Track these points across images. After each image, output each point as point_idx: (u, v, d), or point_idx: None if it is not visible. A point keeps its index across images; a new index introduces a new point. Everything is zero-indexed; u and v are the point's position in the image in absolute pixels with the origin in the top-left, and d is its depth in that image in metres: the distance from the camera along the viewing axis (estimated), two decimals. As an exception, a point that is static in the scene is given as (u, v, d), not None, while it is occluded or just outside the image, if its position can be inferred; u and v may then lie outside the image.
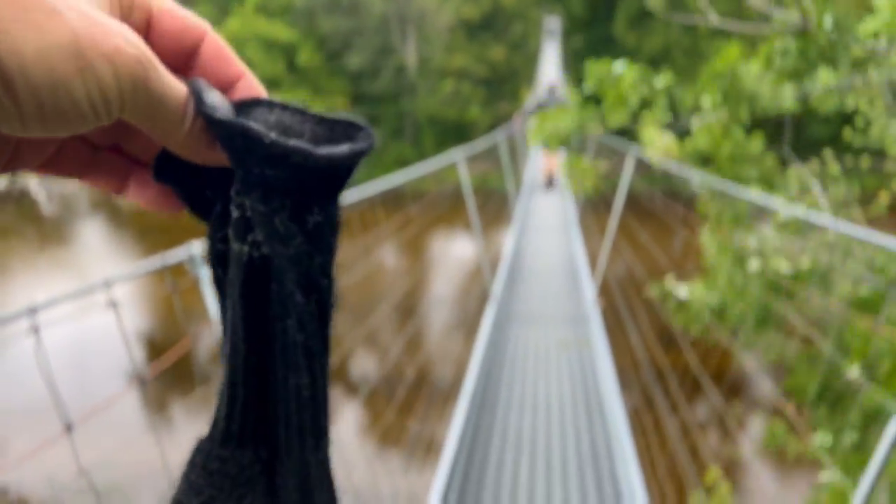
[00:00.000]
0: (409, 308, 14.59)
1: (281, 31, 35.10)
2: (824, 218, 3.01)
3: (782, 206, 3.35)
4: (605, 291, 7.32)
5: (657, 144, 4.42)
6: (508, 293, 7.74)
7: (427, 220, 6.81)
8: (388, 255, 22.50)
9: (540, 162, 17.43)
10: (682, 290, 4.23)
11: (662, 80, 3.63)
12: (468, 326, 7.86)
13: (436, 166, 6.20)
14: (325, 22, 36.14)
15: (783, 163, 4.74)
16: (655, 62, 32.99)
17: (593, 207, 10.31)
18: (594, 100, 3.96)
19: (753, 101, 3.43)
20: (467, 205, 7.02)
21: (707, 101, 3.58)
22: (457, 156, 6.84)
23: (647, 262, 7.41)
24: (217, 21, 35.98)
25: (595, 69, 3.53)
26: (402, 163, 26.57)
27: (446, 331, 12.61)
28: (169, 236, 2.56)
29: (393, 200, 5.46)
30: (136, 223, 30.96)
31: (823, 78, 3.47)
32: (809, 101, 3.90)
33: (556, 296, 7.79)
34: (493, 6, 43.26)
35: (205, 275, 2.13)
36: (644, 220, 7.02)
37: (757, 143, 3.96)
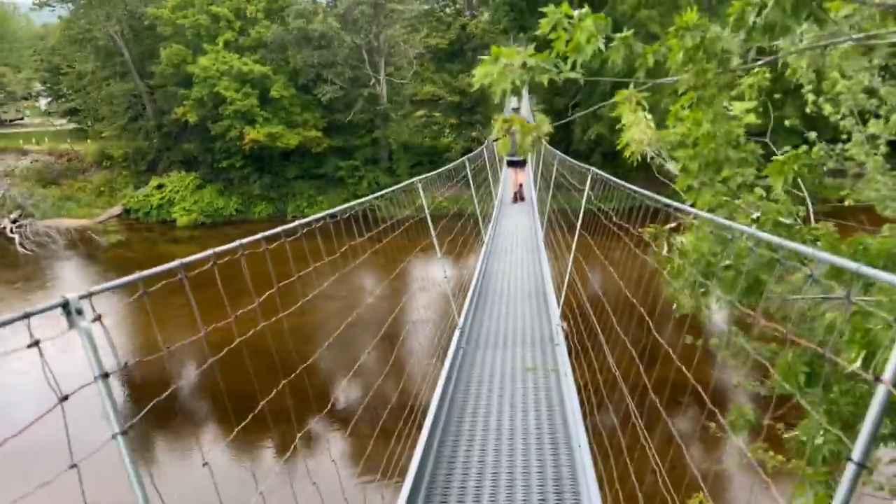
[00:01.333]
0: (373, 334, 14.79)
1: (253, 66, 35.58)
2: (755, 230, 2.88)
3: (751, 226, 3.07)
4: (570, 313, 7.29)
5: (635, 130, 4.24)
6: (475, 319, 7.63)
7: (397, 245, 7.00)
8: (353, 283, 22.78)
9: (509, 178, 17.92)
10: (680, 238, 3.69)
11: (623, 34, 3.19)
12: (433, 351, 7.71)
13: (394, 192, 6.34)
14: (296, 56, 36.70)
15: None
16: (618, 84, 33.78)
17: (560, 227, 10.57)
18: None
19: (724, 59, 3.16)
20: (430, 230, 7.13)
21: (674, 58, 3.22)
22: (416, 182, 7.07)
23: (612, 281, 7.11)
24: (188, 59, 36.40)
25: (551, 12, 3.09)
26: (378, 190, 26.87)
27: (411, 356, 12.79)
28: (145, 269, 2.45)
29: (360, 227, 5.57)
30: (114, 261, 31.01)
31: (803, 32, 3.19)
32: (782, 60, 3.63)
33: (522, 319, 7.61)
34: (460, 36, 44.25)
35: (85, 328, 1.86)
36: (608, 238, 7.13)
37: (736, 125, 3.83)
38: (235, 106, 34.90)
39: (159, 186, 38.09)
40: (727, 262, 2.82)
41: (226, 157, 37.27)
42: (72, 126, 50.35)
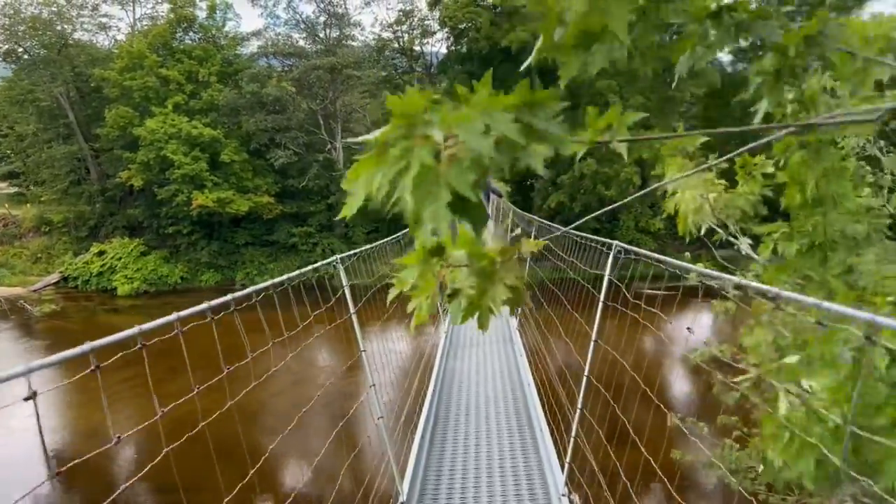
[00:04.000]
0: (325, 412, 13.43)
1: (203, 130, 34.45)
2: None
3: None
4: (581, 470, 4.72)
5: (690, 195, 2.87)
6: (426, 481, 4.97)
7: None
8: (302, 356, 21.30)
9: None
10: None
11: None
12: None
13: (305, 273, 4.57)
14: (249, 120, 35.76)
15: None
16: (572, 163, 34.04)
17: (536, 315, 9.26)
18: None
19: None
20: (353, 329, 4.92)
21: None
22: (336, 261, 4.99)
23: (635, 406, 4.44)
24: (135, 122, 35.17)
25: None
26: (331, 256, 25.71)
27: (369, 440, 11.38)
28: (82, 341, 1.81)
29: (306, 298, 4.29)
30: (51, 333, 28.90)
31: None
32: None
33: (502, 482, 4.88)
34: (419, 101, 44.05)
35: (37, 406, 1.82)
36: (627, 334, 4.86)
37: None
38: (184, 170, 33.55)
39: (100, 253, 36.14)
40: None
41: (172, 223, 35.65)
42: (11, 190, 48.24)
